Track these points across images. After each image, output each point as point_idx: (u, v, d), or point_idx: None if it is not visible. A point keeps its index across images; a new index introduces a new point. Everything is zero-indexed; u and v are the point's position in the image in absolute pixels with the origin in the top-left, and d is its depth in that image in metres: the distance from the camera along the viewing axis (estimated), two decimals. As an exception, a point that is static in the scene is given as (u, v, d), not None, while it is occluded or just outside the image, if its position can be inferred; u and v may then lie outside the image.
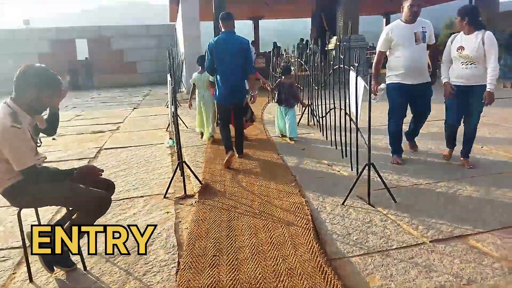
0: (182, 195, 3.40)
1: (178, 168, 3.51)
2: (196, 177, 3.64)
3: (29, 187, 2.11)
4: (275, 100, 5.52)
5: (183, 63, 12.69)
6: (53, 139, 6.37)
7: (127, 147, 5.46)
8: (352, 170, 3.60)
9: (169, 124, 6.52)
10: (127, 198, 3.39)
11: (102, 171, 2.32)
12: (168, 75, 5.13)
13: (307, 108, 6.23)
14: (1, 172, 2.07)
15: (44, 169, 2.25)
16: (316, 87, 5.77)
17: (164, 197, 3.36)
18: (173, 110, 3.76)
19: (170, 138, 5.67)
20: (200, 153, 4.86)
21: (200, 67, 5.58)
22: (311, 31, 23.26)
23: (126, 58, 19.22)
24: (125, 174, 4.12)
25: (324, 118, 5.37)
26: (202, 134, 5.71)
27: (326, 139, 4.99)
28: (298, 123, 6.13)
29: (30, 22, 18.25)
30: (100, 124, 7.66)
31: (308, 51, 6.98)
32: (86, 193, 2.21)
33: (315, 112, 6.04)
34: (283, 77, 5.51)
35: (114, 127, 7.30)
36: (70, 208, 2.30)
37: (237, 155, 4.47)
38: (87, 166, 2.40)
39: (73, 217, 2.24)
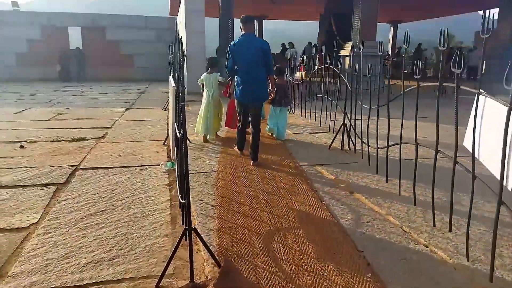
0: (188, 284, 2.09)
1: (184, 237, 2.20)
2: (211, 253, 2.27)
3: None
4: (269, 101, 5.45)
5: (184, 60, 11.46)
6: (21, 146, 5.13)
7: (112, 167, 4.21)
8: (468, 260, 2.32)
9: (167, 137, 5.30)
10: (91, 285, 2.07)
11: None
12: (171, 77, 3.95)
13: (342, 128, 4.99)
14: None
15: None
16: (359, 101, 4.46)
17: (157, 286, 2.06)
18: (176, 129, 2.52)
19: (168, 160, 4.46)
20: (209, 186, 3.58)
21: (209, 68, 5.66)
22: (319, 34, 22.12)
23: (122, 50, 17.89)
24: (99, 224, 2.80)
25: (367, 142, 4.20)
26: (204, 137, 5.54)
27: (386, 181, 3.69)
28: (329, 147, 5.09)
29: (20, 5, 16.80)
30: (84, 129, 6.39)
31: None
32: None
33: (352, 134, 4.84)
34: (276, 78, 5.35)
35: (100, 133, 6.04)
36: None
37: (252, 162, 4.40)
38: None
39: None
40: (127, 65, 17.90)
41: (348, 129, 4.90)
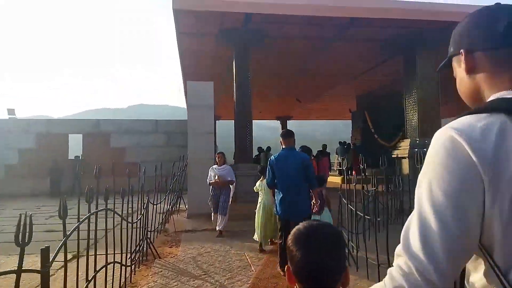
0: None
1: None
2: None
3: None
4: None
5: (185, 168, 8.65)
6: None
7: None
8: None
9: None
10: None
11: None
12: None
13: None
14: None
15: None
16: None
17: None
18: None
19: None
20: None
21: (261, 175, 6.01)
22: (353, 133, 19.57)
23: (128, 157, 15.62)
24: None
25: None
26: (260, 245, 5.67)
27: None
28: None
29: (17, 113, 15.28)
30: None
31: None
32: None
33: None
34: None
35: None
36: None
37: None
38: None
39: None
40: (132, 173, 15.39)
41: None
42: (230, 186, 6.91)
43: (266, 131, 62.78)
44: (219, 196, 6.72)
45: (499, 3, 0.89)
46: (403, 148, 10.00)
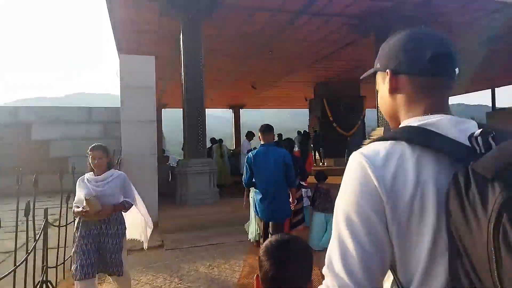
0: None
1: None
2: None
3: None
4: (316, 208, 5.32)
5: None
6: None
7: None
8: None
9: None
10: None
11: None
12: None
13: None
14: None
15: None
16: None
17: None
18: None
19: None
20: None
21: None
22: (310, 121, 18.51)
23: (53, 152, 13.17)
24: None
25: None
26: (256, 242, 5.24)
27: None
28: None
29: None
30: None
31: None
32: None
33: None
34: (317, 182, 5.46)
35: None
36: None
37: None
38: None
39: None
40: (62, 170, 13.00)
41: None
42: (124, 214, 3.39)
43: (214, 120, 59.92)
44: (98, 239, 3.18)
45: (430, 29, 0.95)
46: (376, 137, 8.89)
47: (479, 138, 0.76)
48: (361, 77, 1.15)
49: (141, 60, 6.64)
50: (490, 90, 20.06)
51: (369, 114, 18.73)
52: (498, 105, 20.39)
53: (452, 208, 0.72)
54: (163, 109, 21.39)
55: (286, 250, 1.23)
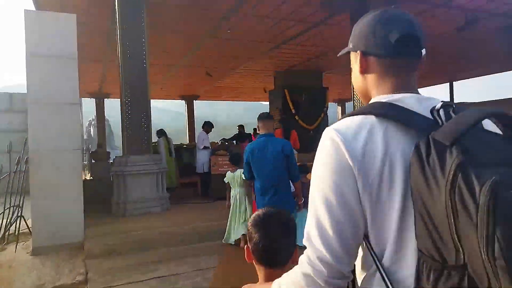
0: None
1: None
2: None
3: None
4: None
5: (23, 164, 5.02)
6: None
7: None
8: None
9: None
10: None
11: None
12: None
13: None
14: None
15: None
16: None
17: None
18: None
19: None
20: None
21: (233, 166, 5.26)
22: (270, 112, 17.19)
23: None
24: None
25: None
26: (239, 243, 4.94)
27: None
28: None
29: None
30: None
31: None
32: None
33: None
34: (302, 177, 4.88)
35: None
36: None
37: None
38: None
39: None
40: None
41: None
42: None
43: (162, 113, 54.49)
44: None
45: (398, 10, 0.99)
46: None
47: (440, 111, 0.86)
48: (338, 55, 1.20)
49: (55, 18, 4.80)
50: (448, 84, 19.98)
51: (330, 108, 17.82)
52: (456, 99, 20.39)
53: (415, 174, 0.79)
54: (106, 100, 19.05)
55: (272, 220, 1.39)
